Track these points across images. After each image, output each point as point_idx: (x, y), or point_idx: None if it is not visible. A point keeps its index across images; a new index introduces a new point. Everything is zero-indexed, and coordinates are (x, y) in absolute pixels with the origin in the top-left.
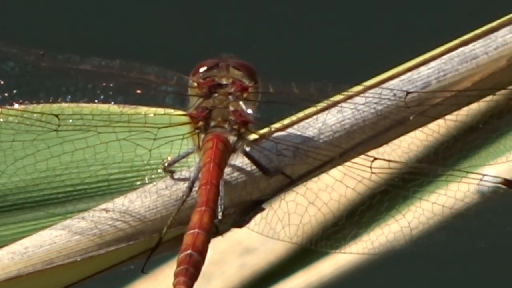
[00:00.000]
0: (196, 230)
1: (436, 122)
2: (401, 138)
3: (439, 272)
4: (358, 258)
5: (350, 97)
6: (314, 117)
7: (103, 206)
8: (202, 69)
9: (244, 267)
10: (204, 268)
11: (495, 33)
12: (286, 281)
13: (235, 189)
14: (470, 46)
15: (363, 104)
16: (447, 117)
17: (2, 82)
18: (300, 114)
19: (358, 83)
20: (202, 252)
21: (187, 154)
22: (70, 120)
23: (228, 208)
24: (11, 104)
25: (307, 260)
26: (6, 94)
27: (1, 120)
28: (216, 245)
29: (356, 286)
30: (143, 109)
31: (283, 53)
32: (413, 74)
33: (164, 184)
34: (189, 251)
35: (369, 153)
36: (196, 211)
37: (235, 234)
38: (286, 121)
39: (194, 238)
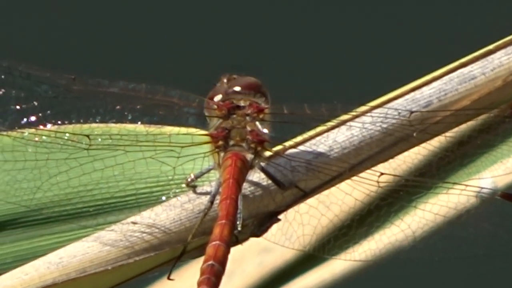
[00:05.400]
0: (217, 242)
1: (437, 138)
2: (406, 154)
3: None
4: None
5: (358, 116)
6: (325, 134)
7: (132, 219)
8: None
9: (263, 265)
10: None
11: (492, 56)
12: (301, 277)
13: (253, 202)
14: (469, 67)
15: (370, 122)
16: (447, 133)
17: (36, 104)
18: (312, 132)
19: (367, 102)
20: (222, 262)
21: (208, 170)
22: (100, 140)
23: (246, 220)
24: (45, 125)
25: (320, 259)
26: (40, 115)
27: (36, 139)
28: (237, 246)
29: (365, 281)
30: (167, 129)
31: (296, 76)
32: (416, 94)
33: (187, 198)
34: (211, 262)
35: (376, 169)
36: (217, 224)
37: None
38: (299, 139)
39: (216, 249)
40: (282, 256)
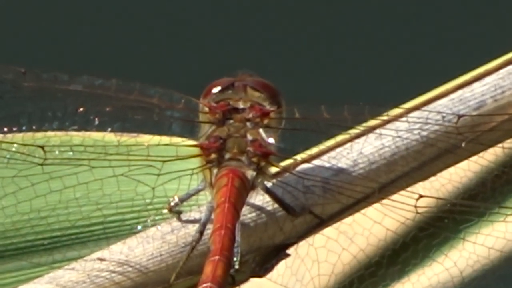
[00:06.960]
0: (209, 284)
1: (492, 150)
2: (452, 170)
3: None
4: None
5: (391, 121)
6: (348, 145)
7: (98, 254)
8: (215, 90)
9: None
10: None
11: None
12: None
13: (255, 232)
14: None
15: (406, 129)
16: (505, 143)
17: None
18: (331, 142)
19: (401, 104)
20: None
21: (197, 192)
22: (57, 152)
23: (246, 255)
24: None
25: None
26: None
27: None
28: None
29: None
30: (145, 139)
31: (311, 70)
32: (465, 92)
33: (170, 228)
34: None
35: (413, 189)
36: (209, 261)
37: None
38: (314, 151)
39: None
40: None
